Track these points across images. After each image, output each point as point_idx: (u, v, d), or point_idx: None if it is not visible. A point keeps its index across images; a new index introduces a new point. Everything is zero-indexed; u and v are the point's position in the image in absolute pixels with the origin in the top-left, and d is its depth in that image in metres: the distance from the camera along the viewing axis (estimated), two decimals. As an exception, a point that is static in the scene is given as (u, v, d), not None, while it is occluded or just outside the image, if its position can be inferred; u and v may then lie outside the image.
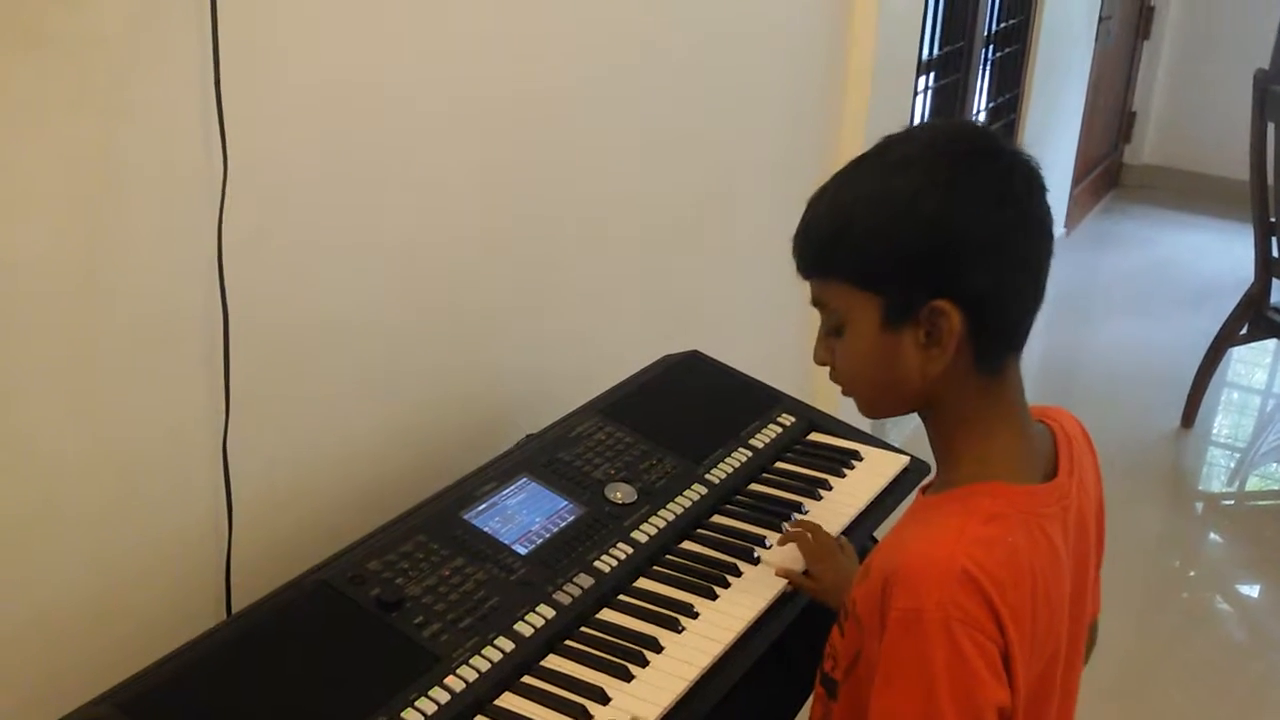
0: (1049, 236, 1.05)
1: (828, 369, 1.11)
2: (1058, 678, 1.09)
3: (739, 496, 1.56)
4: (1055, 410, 1.17)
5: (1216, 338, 3.68)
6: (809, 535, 1.43)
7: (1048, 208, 1.05)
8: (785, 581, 1.39)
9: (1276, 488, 3.47)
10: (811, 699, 1.21)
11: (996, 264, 1.01)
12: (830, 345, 1.09)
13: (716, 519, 1.51)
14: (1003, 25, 3.97)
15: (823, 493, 1.58)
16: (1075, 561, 1.10)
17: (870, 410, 1.12)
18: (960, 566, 0.96)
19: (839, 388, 1.12)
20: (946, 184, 1.00)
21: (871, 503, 1.57)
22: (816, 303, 1.10)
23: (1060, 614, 1.06)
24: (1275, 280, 3.52)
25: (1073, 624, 1.11)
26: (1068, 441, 1.11)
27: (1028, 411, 1.10)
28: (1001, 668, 0.97)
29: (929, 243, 1.01)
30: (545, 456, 1.53)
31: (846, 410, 1.34)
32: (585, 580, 1.35)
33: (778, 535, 1.47)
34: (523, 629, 1.26)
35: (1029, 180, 1.03)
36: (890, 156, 1.05)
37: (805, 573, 1.41)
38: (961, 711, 0.94)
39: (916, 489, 1.16)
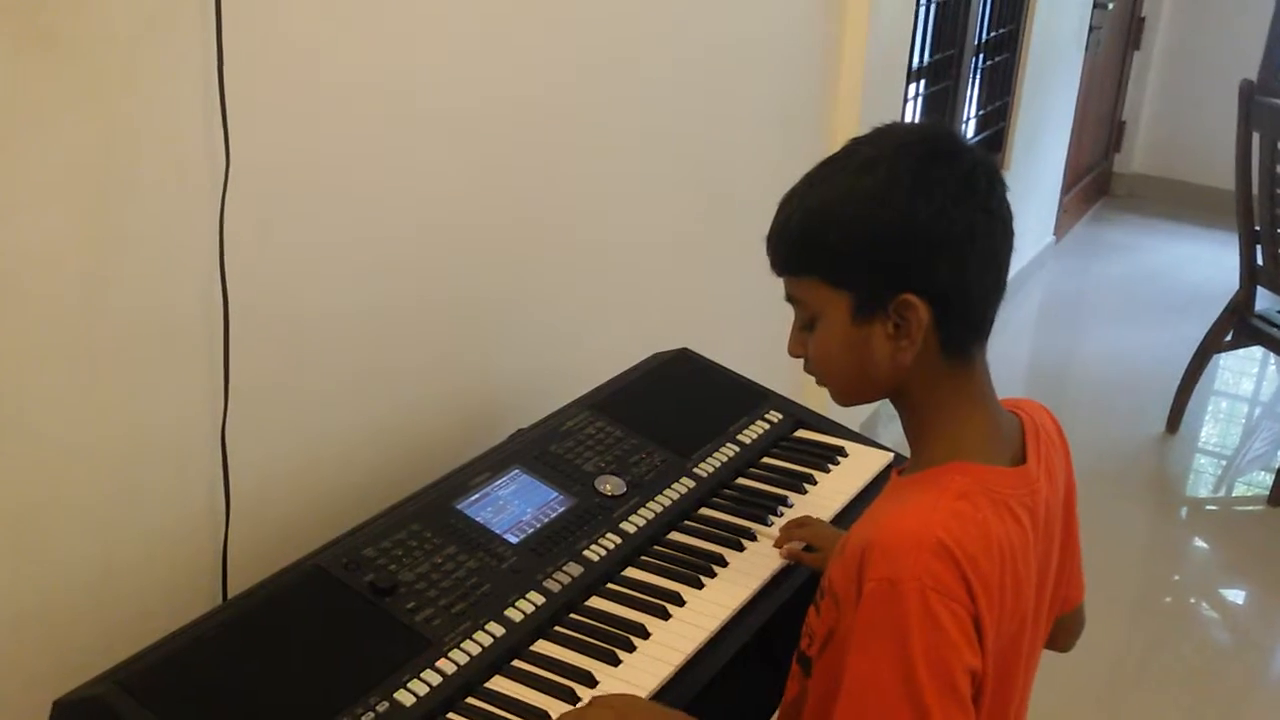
0: (1010, 231, 1.10)
1: (802, 360, 1.16)
2: (1024, 649, 1.12)
3: (726, 490, 1.59)
4: (1028, 402, 1.21)
5: (1202, 344, 3.72)
6: (803, 525, 1.47)
7: (1008, 204, 1.09)
8: (770, 571, 1.43)
9: (1260, 493, 3.51)
10: (788, 678, 1.24)
11: (961, 258, 1.06)
12: (803, 339, 1.14)
13: (704, 511, 1.54)
14: (993, 34, 4.01)
15: (808, 487, 1.61)
16: (1041, 548, 1.13)
17: (844, 399, 1.16)
18: (935, 537, 1.00)
19: (814, 378, 1.16)
20: (912, 183, 1.05)
21: (855, 497, 1.60)
22: (790, 299, 1.14)
23: (1026, 591, 1.10)
24: (1260, 288, 3.56)
25: (1037, 604, 1.15)
26: (1036, 432, 1.15)
27: (995, 397, 1.14)
28: (974, 632, 1.01)
29: (897, 240, 1.05)
30: (536, 449, 1.56)
31: (833, 408, 1.37)
32: (574, 569, 1.38)
33: (763, 527, 1.50)
34: (513, 615, 1.29)
35: (990, 178, 1.08)
36: (857, 158, 1.09)
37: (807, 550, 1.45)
38: (935, 675, 0.98)
39: (892, 472, 1.20)
